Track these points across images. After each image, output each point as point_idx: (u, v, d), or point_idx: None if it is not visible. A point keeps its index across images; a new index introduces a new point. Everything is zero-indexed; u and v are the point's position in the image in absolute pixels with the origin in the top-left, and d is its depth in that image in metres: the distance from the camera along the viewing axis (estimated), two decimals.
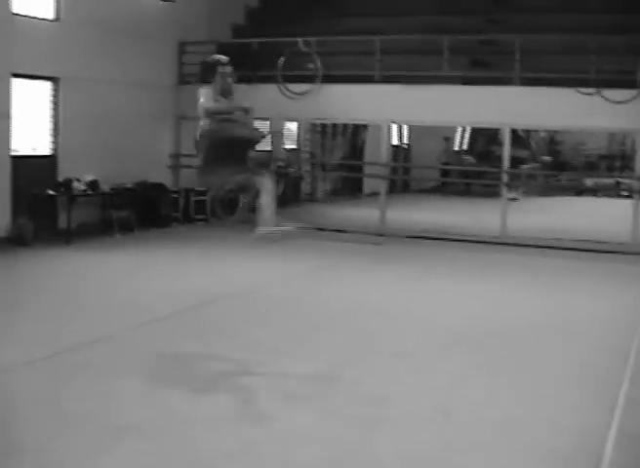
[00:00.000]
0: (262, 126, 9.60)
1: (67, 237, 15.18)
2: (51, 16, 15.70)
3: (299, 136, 24.63)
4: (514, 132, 19.52)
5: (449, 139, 27.93)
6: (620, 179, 24.96)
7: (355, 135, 25.91)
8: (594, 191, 26.00)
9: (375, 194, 19.29)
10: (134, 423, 6.57)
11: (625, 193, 21.82)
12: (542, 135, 30.60)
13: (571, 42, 16.46)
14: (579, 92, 15.80)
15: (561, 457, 6.18)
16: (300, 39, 17.97)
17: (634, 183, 16.83)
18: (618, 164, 30.52)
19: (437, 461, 6.10)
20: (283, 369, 8.19)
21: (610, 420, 6.90)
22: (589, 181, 25.85)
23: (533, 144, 30.72)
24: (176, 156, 19.26)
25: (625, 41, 15.66)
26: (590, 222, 20.10)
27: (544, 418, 7.01)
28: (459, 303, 11.49)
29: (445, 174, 27.45)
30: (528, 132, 29.42)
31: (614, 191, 24.64)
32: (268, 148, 20.72)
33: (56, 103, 16.11)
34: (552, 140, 31.89)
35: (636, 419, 7.04)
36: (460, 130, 29.93)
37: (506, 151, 16.96)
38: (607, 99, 15.60)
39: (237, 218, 18.73)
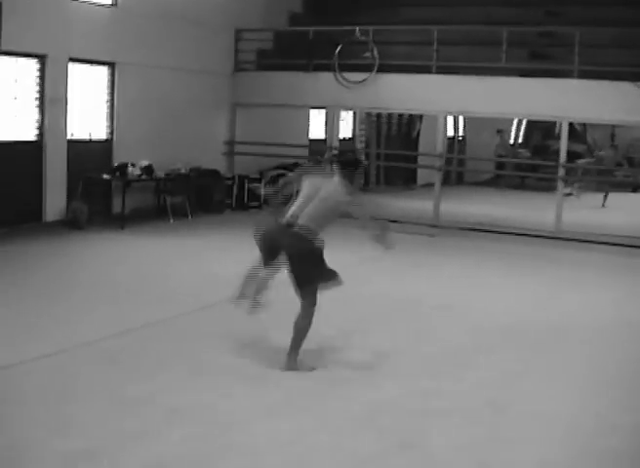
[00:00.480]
0: None
1: (122, 221, 15.29)
2: (108, 1, 15.78)
3: (354, 125, 24.57)
4: (571, 125, 19.30)
5: (502, 132, 27.65)
6: None
7: (410, 125, 25.80)
8: None
9: (429, 185, 19.20)
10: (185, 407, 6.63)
11: None
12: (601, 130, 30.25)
13: (629, 35, 16.24)
14: (636, 86, 15.58)
15: (614, 456, 6.11)
16: (357, 28, 17.92)
17: None
18: None
19: (487, 453, 6.06)
20: (335, 358, 8.19)
21: None
22: None
23: (590, 139, 30.36)
24: (230, 143, 19.32)
25: None
26: None
27: (597, 416, 6.93)
28: (510, 298, 11.39)
29: (499, 166, 27.18)
30: (584, 126, 29.10)
31: None
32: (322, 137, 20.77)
33: (112, 88, 16.21)
34: (612, 136, 31.50)
35: None
36: (515, 123, 29.66)
37: (564, 144, 16.78)
38: None
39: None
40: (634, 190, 24.52)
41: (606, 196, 22.17)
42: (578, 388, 7.70)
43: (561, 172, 17.08)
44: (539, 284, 12.38)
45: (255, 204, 18.58)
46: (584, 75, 16.19)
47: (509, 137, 29.90)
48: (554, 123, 24.31)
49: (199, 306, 10.03)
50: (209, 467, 5.63)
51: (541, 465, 5.91)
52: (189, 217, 16.81)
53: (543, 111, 16.98)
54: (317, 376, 7.63)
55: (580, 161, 25.78)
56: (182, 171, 17.05)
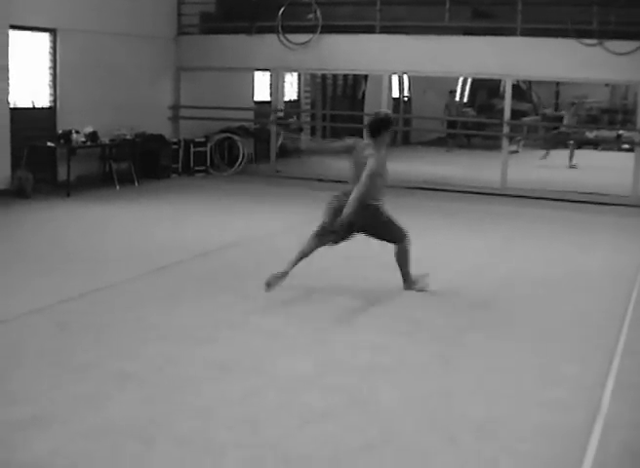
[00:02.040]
0: None
1: (67, 189, 15.15)
2: None
3: (299, 87, 24.50)
4: (515, 84, 19.44)
5: (453, 93, 27.74)
6: (621, 133, 24.82)
7: (355, 86, 25.77)
8: (595, 144, 25.88)
9: None
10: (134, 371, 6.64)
11: (627, 146, 21.73)
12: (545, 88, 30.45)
13: None
14: (581, 43, 15.71)
15: (559, 407, 6.22)
16: None
17: (635, 136, 16.80)
18: (619, 117, 30.40)
19: (437, 408, 6.15)
20: (287, 318, 8.25)
21: (608, 371, 6.95)
22: (590, 135, 25.70)
23: (535, 97, 30.55)
24: (175, 107, 19.19)
25: None
26: (591, 175, 20.12)
27: (544, 368, 7.05)
28: (457, 254, 11.51)
29: (447, 126, 27.33)
30: (529, 84, 29.27)
31: (615, 144, 24.53)
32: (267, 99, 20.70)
33: (54, 55, 16.01)
34: (556, 94, 31.77)
35: (634, 369, 7.08)
36: (460, 82, 29.74)
37: (508, 103, 16.91)
38: (609, 51, 15.51)
39: (236, 170, 18.80)
40: (579, 147, 24.68)
41: (572, 155, 22.17)
42: (524, 341, 7.82)
43: (505, 129, 17.22)
44: (486, 240, 12.51)
45: (201, 168, 18.53)
46: (528, 33, 16.28)
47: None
48: (499, 82, 24.42)
49: (147, 270, 9.99)
50: (159, 429, 5.63)
51: (490, 417, 6.00)
52: (135, 183, 16.69)
53: (488, 69, 17.11)
54: (266, 335, 7.67)
55: (525, 119, 25.99)
56: (127, 136, 16.91)
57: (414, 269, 9.38)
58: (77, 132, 15.70)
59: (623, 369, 7.05)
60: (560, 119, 24.44)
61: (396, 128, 22.61)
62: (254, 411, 5.98)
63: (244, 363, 6.97)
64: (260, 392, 6.34)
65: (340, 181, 17.39)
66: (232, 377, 6.62)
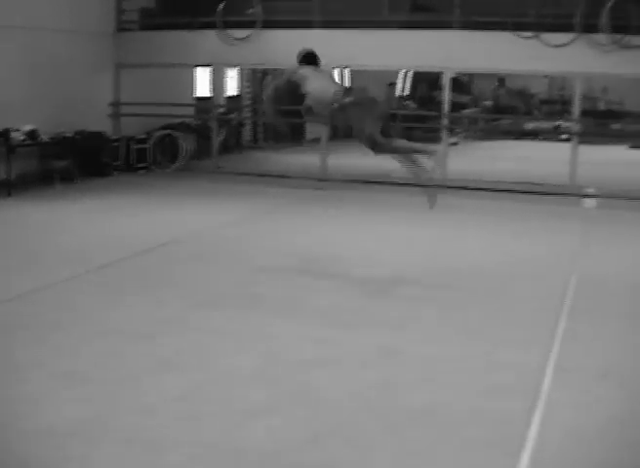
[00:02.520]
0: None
1: (8, 188, 14.99)
2: None
3: (240, 82, 24.45)
4: (456, 77, 19.60)
5: (393, 85, 27.88)
6: (559, 123, 25.16)
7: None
8: (534, 135, 26.19)
9: (317, 140, 19.29)
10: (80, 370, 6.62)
11: (564, 137, 22.02)
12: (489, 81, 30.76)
13: None
14: (518, 35, 15.89)
15: (501, 393, 6.32)
16: None
17: (573, 127, 17.04)
18: (557, 108, 30.78)
19: (380, 397, 6.21)
20: (227, 312, 8.26)
21: (547, 356, 7.08)
22: (529, 126, 25.97)
23: (474, 89, 30.83)
24: (115, 104, 19.05)
25: None
26: (530, 165, 20.37)
27: (486, 355, 7.16)
28: (401, 245, 11.61)
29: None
30: (470, 77, 29.53)
31: (553, 135, 24.81)
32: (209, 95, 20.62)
33: None
34: (497, 86, 32.06)
35: (573, 354, 7.21)
36: (401, 75, 29.87)
37: (447, 95, 17.06)
38: (546, 43, 15.71)
39: (178, 166, 18.73)
40: (517, 138, 24.95)
41: None
42: (467, 329, 7.92)
43: (445, 122, 17.37)
44: (427, 231, 12.61)
45: (142, 165, 18.44)
46: (466, 26, 16.43)
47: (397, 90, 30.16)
48: (439, 74, 24.58)
49: (88, 269, 9.93)
50: (100, 427, 5.62)
51: (433, 406, 6.08)
52: (76, 181, 16.55)
53: (427, 62, 17.23)
54: (208, 331, 7.68)
55: (465, 111, 26.23)
56: (68, 134, 16.75)
57: (355, 258, 9.42)
58: (16, 130, 15.52)
59: (563, 353, 7.19)
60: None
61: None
62: (197, 408, 6.00)
63: (186, 359, 6.97)
64: (202, 388, 6.36)
65: (282, 176, 17.61)
66: (175, 374, 6.63)
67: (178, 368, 6.76)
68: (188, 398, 6.17)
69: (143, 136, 18.76)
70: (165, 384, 6.41)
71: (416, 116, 26.25)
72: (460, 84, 28.32)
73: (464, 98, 28.11)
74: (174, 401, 6.10)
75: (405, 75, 30.03)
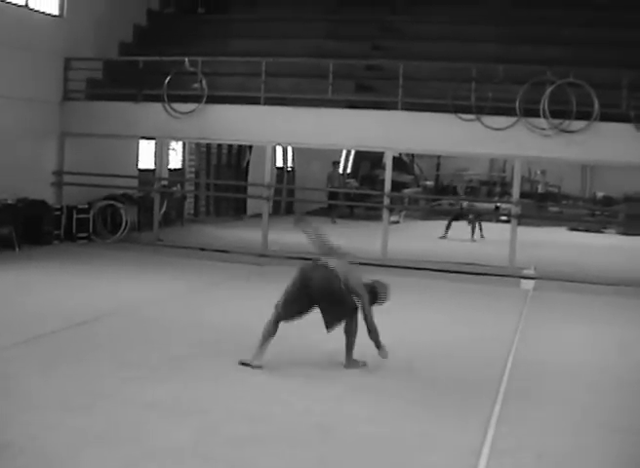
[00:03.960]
0: None
1: None
2: None
3: (183, 155, 24.51)
4: (398, 157, 19.89)
5: (336, 164, 28.17)
6: (499, 204, 25.55)
7: (240, 155, 25.90)
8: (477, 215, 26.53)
9: (258, 215, 19.35)
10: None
11: (504, 218, 22.36)
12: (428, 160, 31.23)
13: (453, 69, 16.92)
14: (459, 118, 16.19)
15: None
16: (186, 58, 17.96)
17: (512, 208, 17.32)
18: (497, 189, 31.28)
19: None
20: (162, 387, 8.17)
21: (483, 438, 7.09)
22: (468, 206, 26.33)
23: (417, 169, 31.24)
24: (59, 173, 18.96)
25: (505, 70, 16.19)
26: (470, 246, 20.60)
27: (422, 435, 7.15)
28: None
29: (330, 197, 27.64)
30: (412, 157, 29.96)
31: (493, 216, 25.13)
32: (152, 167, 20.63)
33: None
34: (437, 166, 32.53)
35: (508, 436, 7.23)
36: (344, 154, 30.18)
37: (388, 175, 17.26)
38: (486, 126, 16.03)
39: (119, 237, 18.64)
40: (456, 219, 25.19)
41: (474, 228, 22.53)
42: (404, 409, 7.90)
43: (386, 201, 17.55)
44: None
45: (83, 235, 18.32)
46: (409, 107, 16.72)
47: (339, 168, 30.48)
48: (382, 154, 24.89)
49: (24, 339, 9.76)
50: None
51: None
52: (16, 249, 16.37)
53: (370, 142, 17.47)
54: (143, 404, 7.58)
55: (407, 190, 26.55)
56: (9, 201, 16.62)
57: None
58: None
59: (498, 435, 7.19)
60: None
61: (279, 198, 22.85)
62: None
63: (121, 433, 6.86)
64: (137, 463, 6.25)
65: (221, 251, 17.58)
66: (109, 448, 6.51)
67: (112, 441, 6.64)
68: None
69: (85, 206, 18.66)
70: (100, 458, 6.28)
71: (358, 194, 26.52)
72: (403, 163, 28.76)
73: (406, 178, 28.48)
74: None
75: (348, 153, 30.37)
